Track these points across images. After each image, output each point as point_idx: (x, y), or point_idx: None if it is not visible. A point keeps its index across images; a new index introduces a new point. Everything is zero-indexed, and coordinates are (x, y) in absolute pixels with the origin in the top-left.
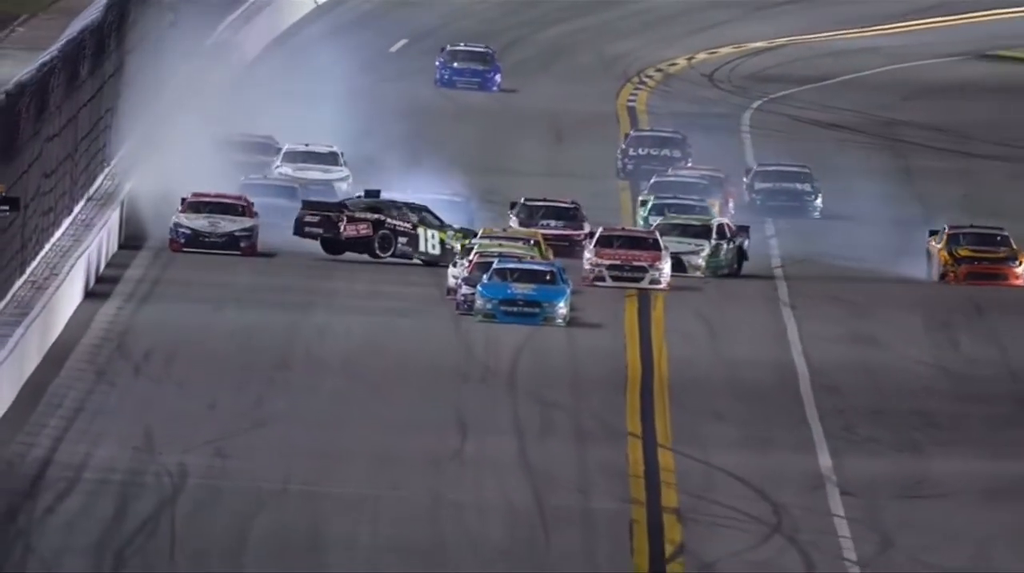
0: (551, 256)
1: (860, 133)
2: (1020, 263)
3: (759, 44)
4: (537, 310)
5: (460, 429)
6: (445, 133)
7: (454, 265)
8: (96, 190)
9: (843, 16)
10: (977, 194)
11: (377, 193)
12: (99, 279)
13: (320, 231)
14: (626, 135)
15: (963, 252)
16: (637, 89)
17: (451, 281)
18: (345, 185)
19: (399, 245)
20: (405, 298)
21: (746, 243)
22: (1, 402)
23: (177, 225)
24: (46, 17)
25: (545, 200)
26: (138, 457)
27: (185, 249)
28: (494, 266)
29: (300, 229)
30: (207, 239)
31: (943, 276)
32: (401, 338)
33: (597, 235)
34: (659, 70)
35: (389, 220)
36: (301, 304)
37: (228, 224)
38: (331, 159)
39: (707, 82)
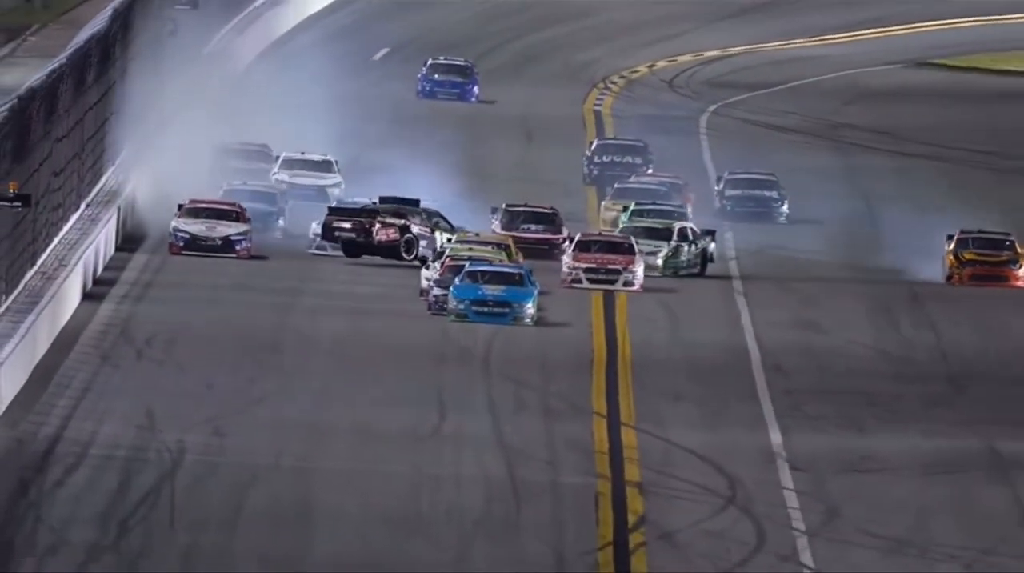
0: (520, 259)
1: (807, 134)
2: (1021, 266)
3: (714, 53)
4: (507, 310)
5: (439, 408)
6: (422, 136)
7: (427, 267)
8: (101, 188)
9: (791, 28)
10: (912, 190)
11: (394, 199)
12: (106, 268)
13: (353, 235)
14: (591, 143)
15: (968, 255)
16: (602, 95)
17: (424, 283)
18: (338, 191)
19: (420, 248)
20: (385, 291)
21: (711, 246)
22: (14, 384)
23: (176, 230)
24: (56, 27)
25: (526, 206)
26: (140, 434)
27: (183, 252)
28: (466, 269)
29: (329, 234)
30: (204, 243)
31: (949, 278)
32: (383, 326)
33: (576, 240)
34: (622, 77)
35: (412, 225)
36: (291, 294)
37: (224, 228)
38: (325, 167)
39: (667, 88)
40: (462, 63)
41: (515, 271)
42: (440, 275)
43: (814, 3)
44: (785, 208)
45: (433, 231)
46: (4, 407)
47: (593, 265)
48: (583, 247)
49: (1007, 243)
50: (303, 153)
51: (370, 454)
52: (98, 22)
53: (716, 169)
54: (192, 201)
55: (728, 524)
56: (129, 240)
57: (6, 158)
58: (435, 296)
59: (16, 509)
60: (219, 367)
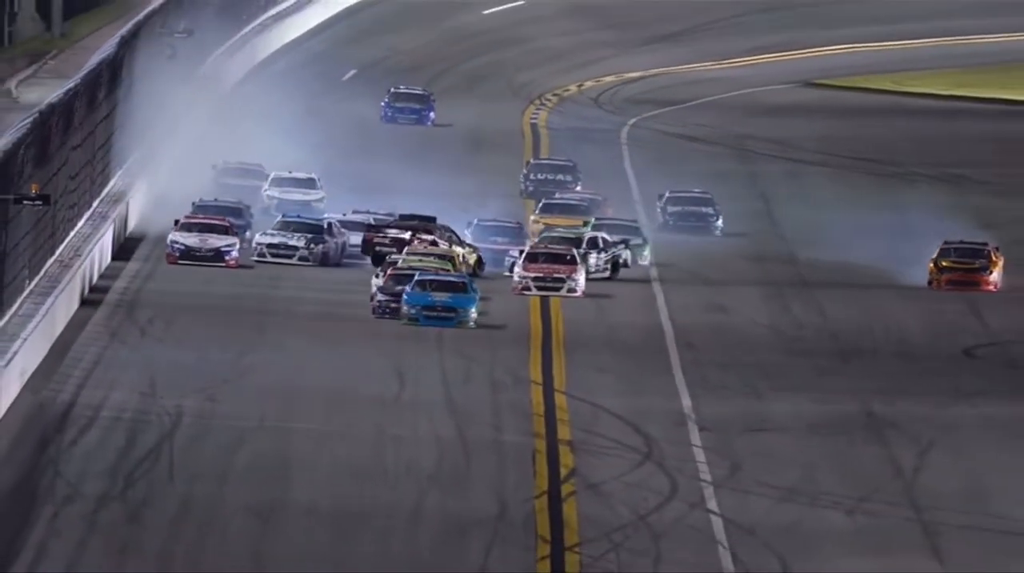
0: (463, 270)
1: (713, 144)
2: (992, 272)
3: (634, 74)
4: (452, 314)
5: (399, 378)
6: (381, 149)
7: (376, 275)
8: (109, 190)
9: (700, 52)
10: (803, 191)
11: (413, 217)
12: (113, 258)
13: (393, 250)
14: (527, 162)
15: (945, 263)
16: (538, 109)
17: (373, 288)
18: (321, 205)
19: None
20: (353, 285)
21: (624, 253)
22: (36, 356)
23: (173, 242)
24: (71, 52)
25: (495, 220)
26: (144, 400)
27: (180, 261)
28: (416, 278)
29: (369, 249)
30: (198, 253)
31: (929, 283)
32: (350, 312)
33: (525, 252)
34: (555, 94)
35: (438, 240)
36: (271, 287)
37: (215, 241)
38: (309, 184)
39: (593, 104)
40: (420, 92)
41: (459, 280)
42: (384, 283)
43: (717, 33)
44: (720, 222)
45: (451, 245)
46: (28, 376)
47: (540, 274)
48: (532, 258)
49: (984, 252)
50: (290, 172)
51: (340, 417)
52: (107, 48)
53: (635, 174)
54: (188, 216)
55: (645, 476)
56: (131, 241)
57: (29, 163)
58: (379, 301)
59: (38, 464)
60: (211, 343)
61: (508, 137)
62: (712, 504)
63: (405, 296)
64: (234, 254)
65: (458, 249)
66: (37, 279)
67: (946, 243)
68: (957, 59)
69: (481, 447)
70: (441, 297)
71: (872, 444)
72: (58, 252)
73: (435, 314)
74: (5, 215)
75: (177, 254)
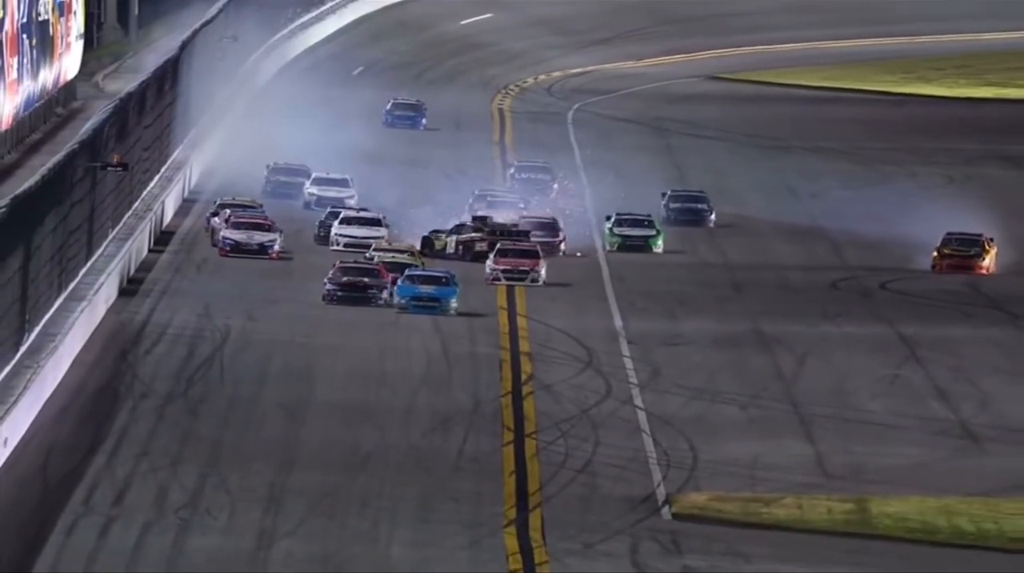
0: (423, 263)
1: (639, 124)
2: (985, 258)
3: (577, 70)
4: (436, 304)
5: (397, 309)
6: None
7: (333, 266)
8: (173, 160)
9: (626, 53)
10: (709, 162)
11: (483, 218)
12: (174, 215)
13: (460, 250)
14: (511, 164)
15: (946, 250)
16: (504, 98)
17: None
18: (353, 201)
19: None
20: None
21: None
22: (118, 287)
23: (224, 238)
24: (145, 53)
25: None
26: (200, 321)
27: (230, 255)
28: (407, 273)
29: (469, 249)
30: (245, 247)
31: (933, 267)
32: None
33: (496, 247)
34: (517, 85)
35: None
36: (297, 253)
37: (260, 237)
38: (344, 183)
39: (546, 93)
40: (414, 102)
41: (443, 275)
42: (332, 274)
43: (639, 38)
44: (713, 216)
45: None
46: (111, 302)
47: (509, 267)
48: (501, 253)
49: (979, 242)
50: (328, 172)
51: (352, 335)
52: (171, 50)
53: (578, 146)
54: (236, 216)
55: (587, 379)
56: (187, 201)
57: (112, 139)
58: (328, 290)
59: (119, 369)
60: (250, 279)
61: (480, 119)
62: (638, 401)
63: (397, 288)
64: (276, 248)
65: None
66: (118, 228)
67: (948, 234)
68: (824, 59)
69: (460, 358)
70: (427, 289)
71: (760, 354)
72: (134, 207)
73: (422, 303)
74: (94, 178)
75: (227, 248)
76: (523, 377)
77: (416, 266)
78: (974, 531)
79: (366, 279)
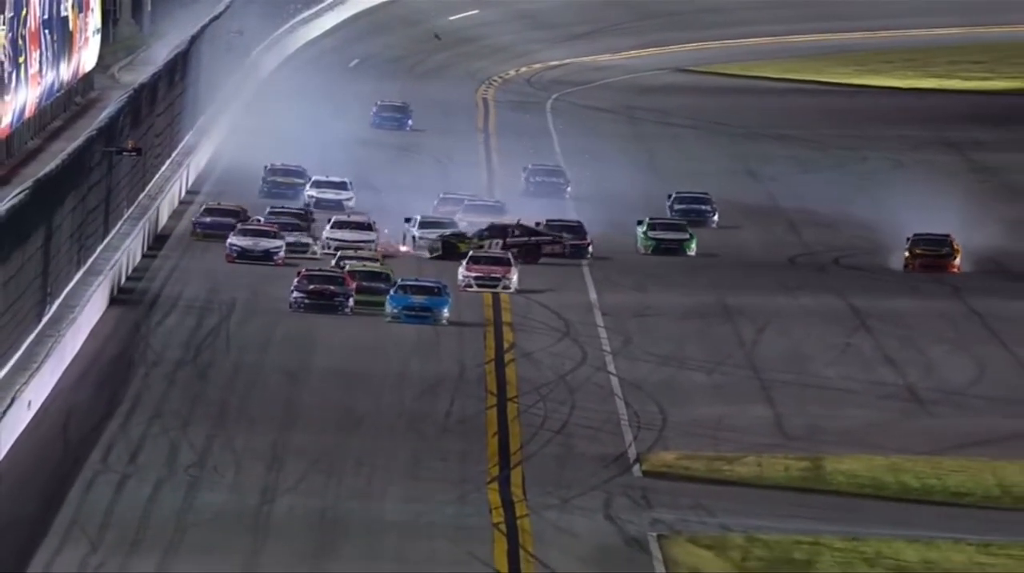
0: (390, 271)
1: (612, 112)
2: (955, 257)
3: (555, 63)
4: (428, 314)
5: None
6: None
7: (298, 274)
8: (183, 146)
9: (601, 47)
10: (678, 147)
11: (504, 226)
12: (187, 192)
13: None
14: (525, 167)
15: (918, 251)
16: (488, 88)
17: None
18: (351, 203)
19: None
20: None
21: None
22: (133, 262)
23: (231, 244)
24: (158, 46)
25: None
26: (208, 294)
27: (237, 261)
28: (399, 282)
29: (453, 250)
30: (251, 253)
31: (906, 266)
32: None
33: (469, 255)
34: (500, 77)
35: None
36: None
37: (265, 243)
38: (342, 186)
39: (527, 84)
40: (400, 104)
41: (435, 285)
42: (298, 282)
43: (613, 33)
44: (716, 216)
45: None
46: (129, 272)
47: (481, 274)
48: (474, 261)
49: (947, 242)
50: (327, 176)
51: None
52: (182, 44)
53: (556, 133)
54: (243, 224)
55: (564, 348)
56: (197, 182)
57: (127, 126)
58: (295, 298)
59: (134, 338)
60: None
61: (466, 107)
62: (611, 367)
63: (389, 298)
64: (281, 254)
65: None
66: (132, 207)
67: (916, 235)
68: (785, 53)
69: (447, 328)
70: (419, 299)
71: (724, 325)
72: (147, 189)
73: (414, 313)
74: (110, 162)
75: (235, 254)
76: (505, 346)
77: (386, 274)
78: (919, 486)
79: (332, 287)
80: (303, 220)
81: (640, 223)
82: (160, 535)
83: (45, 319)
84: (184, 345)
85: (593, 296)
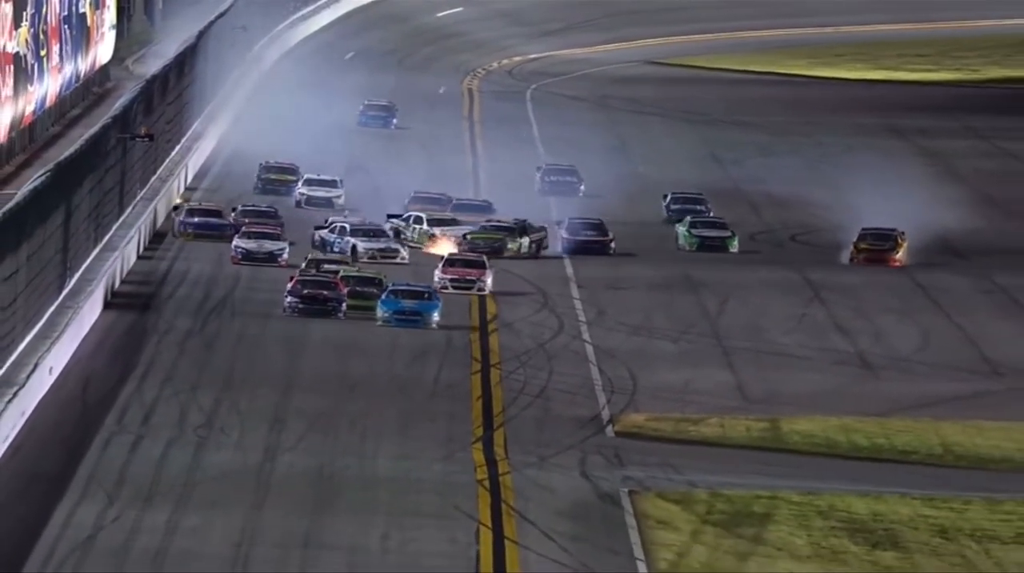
0: (383, 276)
1: (586, 101)
2: (898, 251)
3: (534, 55)
4: (419, 318)
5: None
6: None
7: (291, 279)
8: (191, 132)
9: (576, 41)
10: (647, 134)
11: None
12: (195, 176)
13: (534, 249)
14: (539, 167)
15: (862, 246)
16: (472, 79)
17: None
18: (341, 200)
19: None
20: None
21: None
22: (144, 241)
23: (236, 246)
24: (168, 41)
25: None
26: (214, 271)
27: (242, 262)
28: (390, 287)
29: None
30: (256, 255)
31: (851, 259)
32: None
33: (445, 258)
34: (484, 69)
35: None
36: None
37: (269, 245)
38: (332, 184)
39: (508, 75)
40: (385, 103)
41: (425, 290)
42: (292, 286)
43: (586, 28)
44: (711, 216)
45: None
46: (141, 250)
47: (456, 277)
48: (450, 263)
49: (892, 236)
50: (319, 174)
51: None
52: (190, 39)
53: (536, 121)
54: (247, 227)
55: (543, 318)
56: (205, 166)
57: (140, 113)
58: (289, 302)
59: (146, 310)
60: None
61: (452, 97)
62: (586, 336)
63: (380, 302)
64: (284, 256)
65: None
66: (145, 189)
67: (863, 230)
68: (744, 47)
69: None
70: (410, 303)
71: (689, 296)
72: (158, 172)
73: (404, 317)
74: (125, 147)
75: (240, 256)
76: (488, 316)
77: (378, 279)
78: (869, 445)
79: (326, 292)
80: (271, 219)
81: (680, 221)
82: (171, 490)
83: (65, 292)
84: (193, 315)
85: (569, 270)
